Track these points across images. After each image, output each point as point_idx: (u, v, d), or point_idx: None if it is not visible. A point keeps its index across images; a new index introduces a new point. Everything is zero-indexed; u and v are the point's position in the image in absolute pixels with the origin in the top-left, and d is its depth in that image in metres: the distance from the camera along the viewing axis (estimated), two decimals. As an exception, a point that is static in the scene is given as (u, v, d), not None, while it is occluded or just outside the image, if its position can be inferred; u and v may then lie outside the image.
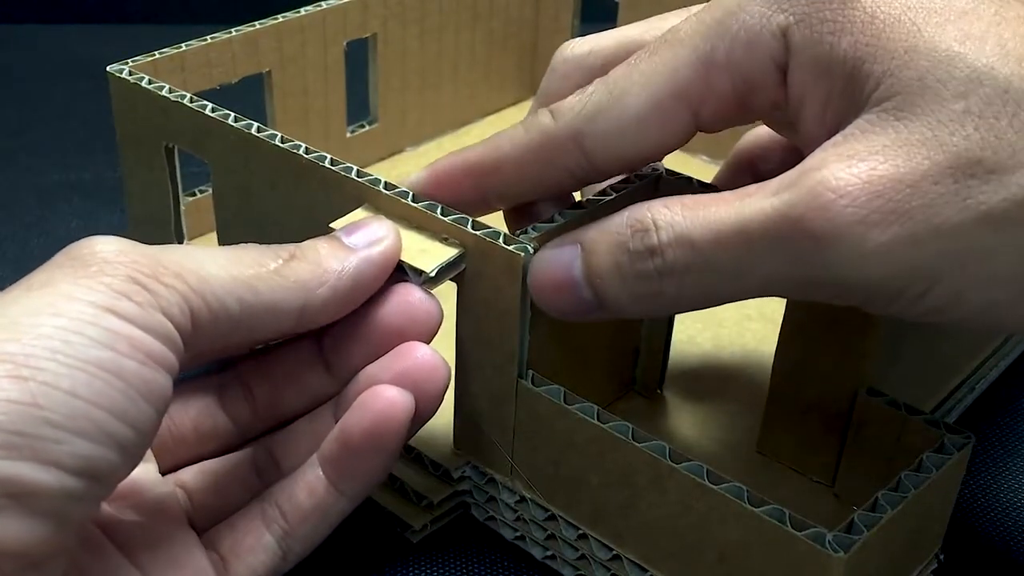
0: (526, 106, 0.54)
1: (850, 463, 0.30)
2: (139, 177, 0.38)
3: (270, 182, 0.33)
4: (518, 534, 0.31)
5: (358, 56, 0.46)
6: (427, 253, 0.28)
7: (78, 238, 0.44)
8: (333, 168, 0.31)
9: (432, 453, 0.31)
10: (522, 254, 0.27)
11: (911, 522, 0.26)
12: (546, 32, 0.53)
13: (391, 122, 0.48)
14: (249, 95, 0.42)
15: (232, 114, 0.34)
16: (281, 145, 0.32)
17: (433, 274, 0.28)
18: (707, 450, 0.33)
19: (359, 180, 0.30)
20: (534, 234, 0.28)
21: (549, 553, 0.30)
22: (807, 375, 0.30)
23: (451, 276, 0.28)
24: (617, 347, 0.33)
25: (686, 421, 0.34)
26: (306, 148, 0.32)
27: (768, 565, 0.25)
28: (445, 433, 0.31)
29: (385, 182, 0.30)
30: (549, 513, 0.30)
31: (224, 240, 0.36)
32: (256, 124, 0.33)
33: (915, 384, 0.32)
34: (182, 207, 0.38)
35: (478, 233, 0.28)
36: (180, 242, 0.38)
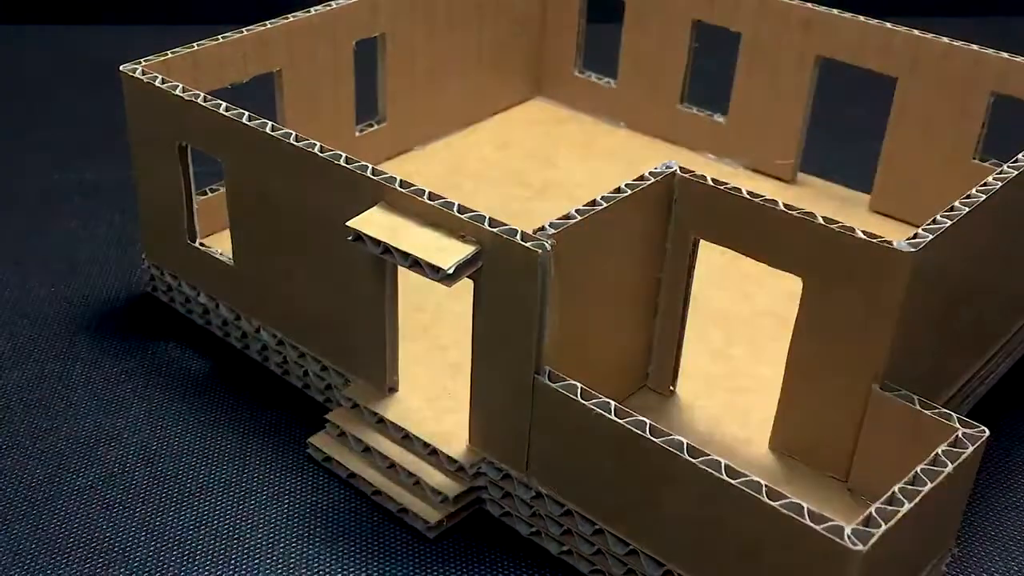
0: (534, 104, 0.55)
1: (864, 458, 0.30)
2: (152, 176, 0.38)
3: (284, 180, 0.33)
4: (533, 530, 0.31)
5: (367, 56, 0.46)
6: (444, 250, 0.28)
7: (78, 238, 0.45)
8: (349, 167, 0.31)
9: (448, 449, 0.31)
10: (539, 251, 0.27)
11: (927, 515, 0.26)
12: (553, 31, 0.53)
13: (399, 121, 0.48)
14: (256, 94, 0.42)
15: (247, 113, 0.34)
16: (296, 144, 0.32)
17: (451, 271, 0.28)
18: (721, 446, 0.33)
19: (375, 178, 0.30)
20: (551, 231, 0.28)
21: (565, 548, 0.30)
22: (821, 371, 0.30)
23: (468, 273, 0.29)
24: (632, 344, 0.33)
25: (700, 417, 0.34)
26: (321, 147, 0.32)
27: (786, 559, 0.25)
28: (461, 429, 0.32)
29: (401, 180, 0.30)
30: (565, 508, 0.30)
31: (238, 239, 0.36)
32: (271, 123, 0.33)
33: (928, 378, 0.32)
34: (195, 205, 0.38)
35: (495, 230, 0.28)
36: (192, 240, 0.38)
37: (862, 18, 0.44)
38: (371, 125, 0.48)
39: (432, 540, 0.31)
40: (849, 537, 0.24)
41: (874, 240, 0.28)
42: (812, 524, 0.24)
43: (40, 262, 0.43)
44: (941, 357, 0.33)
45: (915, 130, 0.44)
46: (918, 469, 0.26)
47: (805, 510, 0.25)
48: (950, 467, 0.26)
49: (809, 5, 0.45)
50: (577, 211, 0.29)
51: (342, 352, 0.34)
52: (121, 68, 0.37)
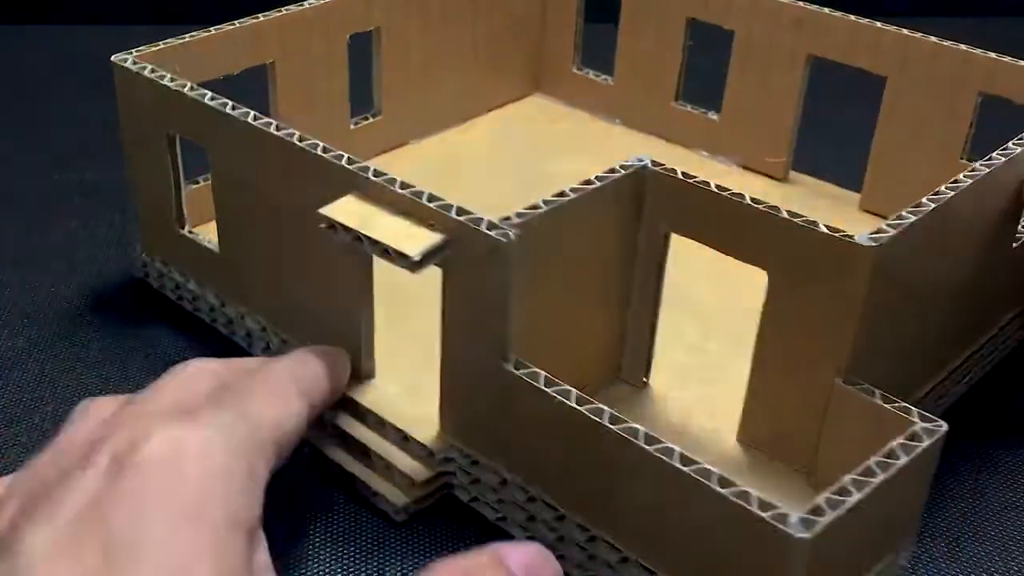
0: (531, 101, 0.55)
1: (827, 451, 0.31)
2: (142, 165, 0.39)
3: (262, 168, 0.34)
4: (500, 515, 0.31)
5: (365, 49, 0.47)
6: (413, 238, 0.29)
7: (78, 238, 0.46)
8: (324, 155, 0.31)
9: (419, 434, 0.32)
10: (502, 240, 0.28)
11: (881, 508, 0.26)
12: (552, 29, 0.54)
13: (395, 115, 0.49)
14: (252, 86, 0.43)
15: (229, 102, 0.34)
16: (275, 132, 0.33)
17: (417, 258, 0.28)
18: (690, 437, 0.33)
19: (348, 167, 0.31)
20: (517, 220, 0.29)
21: (529, 534, 0.31)
22: (785, 364, 0.31)
23: (436, 261, 0.29)
24: (604, 335, 0.34)
25: (671, 409, 0.34)
26: (300, 136, 0.32)
27: (735, 546, 0.25)
28: (432, 415, 0.32)
29: (374, 169, 0.31)
30: (529, 495, 0.30)
31: (223, 227, 0.37)
32: (253, 112, 0.34)
33: (900, 375, 0.32)
34: (184, 194, 0.38)
35: (461, 219, 0.28)
36: (182, 228, 0.39)
37: (852, 17, 0.44)
38: (367, 118, 0.48)
39: (400, 523, 0.32)
40: (794, 525, 0.24)
41: (836, 234, 0.28)
42: (759, 511, 0.25)
43: (40, 262, 0.44)
44: (914, 354, 0.33)
45: (904, 129, 0.44)
46: (871, 461, 0.26)
47: (753, 498, 0.25)
48: (903, 460, 0.26)
49: (801, 4, 0.45)
50: (544, 201, 0.29)
51: (321, 339, 0.35)
52: (112, 58, 0.37)
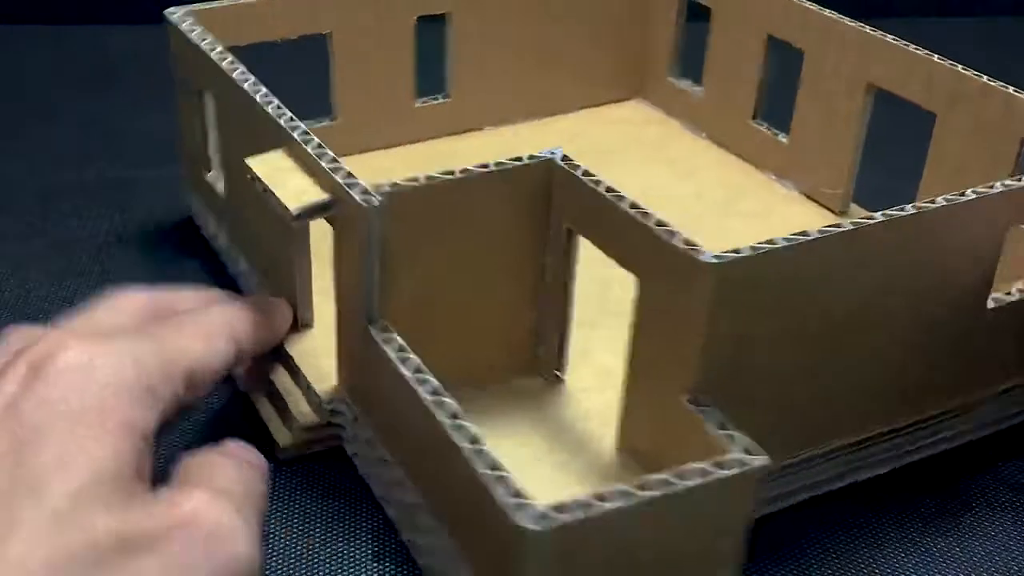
0: (630, 105, 0.55)
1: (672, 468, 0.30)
2: (183, 110, 0.43)
3: (236, 118, 0.36)
4: (367, 472, 0.33)
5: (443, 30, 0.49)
6: (305, 194, 0.31)
7: (77, 238, 0.47)
8: (267, 109, 0.34)
9: (318, 384, 0.34)
10: (365, 205, 0.29)
11: (659, 529, 0.26)
12: (654, 33, 0.54)
13: (466, 99, 0.50)
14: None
15: (229, 57, 0.37)
16: (242, 85, 0.35)
17: (295, 213, 0.30)
18: (573, 437, 0.33)
19: (284, 125, 0.33)
20: (388, 190, 0.30)
21: (382, 494, 0.32)
22: (647, 376, 0.30)
23: (321, 217, 0.31)
24: (515, 324, 0.34)
25: (572, 408, 0.34)
26: (265, 93, 0.35)
27: (497, 532, 0.26)
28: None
29: (302, 129, 0.33)
30: (384, 457, 0.31)
31: (224, 173, 0.40)
32: (240, 67, 0.37)
33: (799, 413, 0.31)
34: (210, 143, 0.42)
35: (341, 181, 0.30)
36: (207, 171, 0.42)
37: (912, 47, 0.41)
38: (435, 99, 0.50)
39: (283, 463, 0.34)
40: (529, 515, 0.24)
41: (683, 247, 0.27)
42: (508, 498, 0.25)
43: (40, 262, 0.43)
44: (825, 398, 0.31)
45: (950, 170, 0.41)
46: (653, 476, 0.26)
47: (511, 484, 0.25)
48: (688, 483, 0.25)
49: (866, 29, 0.43)
50: (427, 176, 0.30)
51: (274, 286, 0.37)
52: (165, 12, 0.41)
